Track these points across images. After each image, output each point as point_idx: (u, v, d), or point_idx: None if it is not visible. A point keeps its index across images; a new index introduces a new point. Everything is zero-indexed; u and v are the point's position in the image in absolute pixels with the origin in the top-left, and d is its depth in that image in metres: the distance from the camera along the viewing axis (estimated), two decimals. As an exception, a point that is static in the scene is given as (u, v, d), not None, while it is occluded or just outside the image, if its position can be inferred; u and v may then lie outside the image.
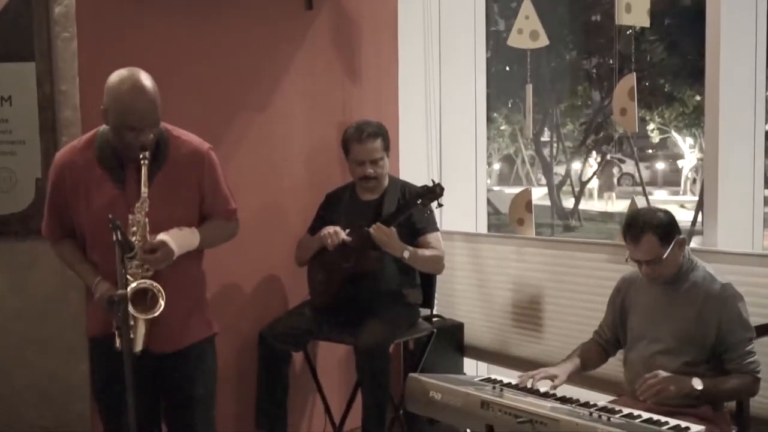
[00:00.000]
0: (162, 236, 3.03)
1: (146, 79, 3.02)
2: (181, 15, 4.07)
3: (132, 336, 2.92)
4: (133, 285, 2.95)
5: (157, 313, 2.97)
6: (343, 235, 4.06)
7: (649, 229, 3.20)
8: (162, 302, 2.97)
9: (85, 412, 3.83)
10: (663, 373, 3.10)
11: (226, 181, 3.32)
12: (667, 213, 3.30)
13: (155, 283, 2.99)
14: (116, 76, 3.03)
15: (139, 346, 2.98)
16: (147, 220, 3.00)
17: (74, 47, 3.76)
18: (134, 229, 3.00)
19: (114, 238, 2.84)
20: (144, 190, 2.98)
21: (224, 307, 4.05)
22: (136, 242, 2.98)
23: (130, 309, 2.90)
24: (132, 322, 2.92)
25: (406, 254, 4.04)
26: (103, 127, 3.14)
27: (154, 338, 3.04)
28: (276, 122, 4.44)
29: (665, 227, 3.21)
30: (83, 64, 3.76)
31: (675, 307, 3.27)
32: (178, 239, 3.08)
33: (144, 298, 2.99)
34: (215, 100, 4.17)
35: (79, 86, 3.76)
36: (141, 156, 2.99)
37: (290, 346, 4.15)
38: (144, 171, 2.99)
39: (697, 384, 3.08)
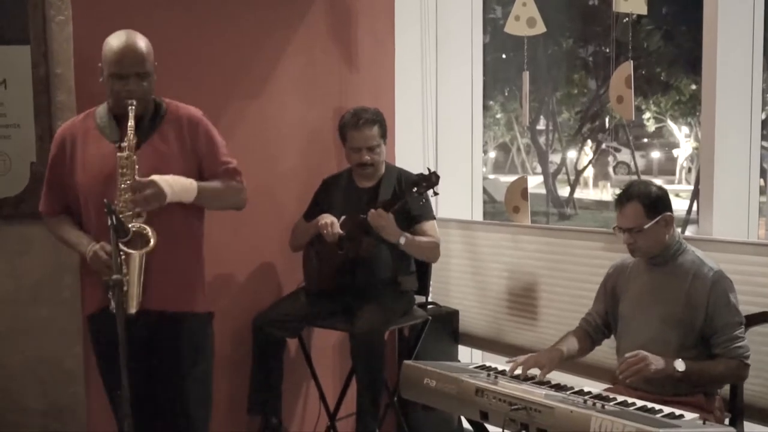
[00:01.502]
0: (154, 176, 3.06)
1: (139, 36, 3.17)
2: (176, -1, 4.06)
3: (125, 296, 2.94)
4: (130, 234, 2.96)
5: (148, 249, 2.99)
6: (338, 227, 4.06)
7: (636, 197, 3.27)
8: (153, 241, 2.99)
9: (79, 395, 3.82)
10: (644, 353, 3.11)
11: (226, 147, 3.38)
12: (661, 188, 3.36)
13: (146, 226, 3.02)
14: (113, 34, 3.18)
15: (134, 308, 2.99)
16: (135, 158, 3.03)
17: (69, 30, 3.74)
18: (123, 169, 3.03)
19: (108, 222, 2.86)
20: (131, 130, 3.03)
21: (219, 292, 4.05)
22: (126, 181, 3.02)
23: (123, 247, 2.93)
24: (125, 286, 2.93)
25: (402, 240, 4.04)
26: (102, 104, 3.23)
27: (151, 295, 3.05)
28: (272, 107, 4.42)
29: (653, 199, 3.27)
30: (78, 47, 3.75)
31: (663, 290, 3.30)
32: (172, 182, 3.10)
33: (136, 241, 3.00)
34: (211, 85, 4.16)
35: (74, 69, 3.75)
36: (128, 103, 3.06)
37: (285, 333, 4.15)
38: (131, 116, 3.05)
39: (679, 365, 3.10)
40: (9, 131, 3.73)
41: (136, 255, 2.98)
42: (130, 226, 2.98)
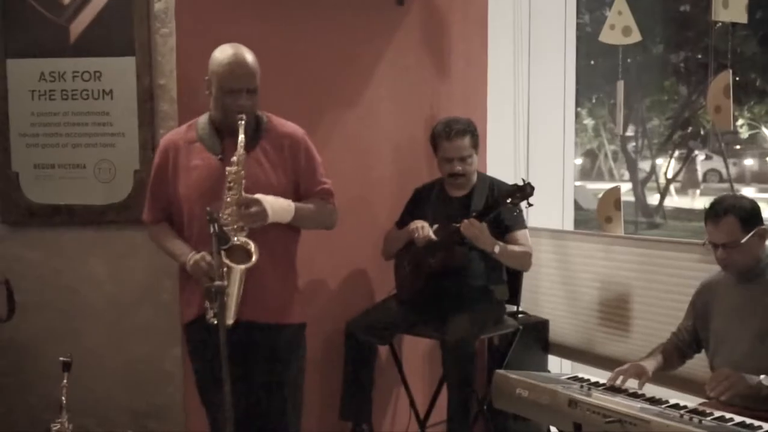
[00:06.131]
0: (258, 195, 3.13)
1: (246, 50, 3.23)
2: (275, 12, 4.13)
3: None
4: (231, 242, 3.04)
5: (249, 264, 3.05)
6: (430, 232, 4.08)
7: (731, 211, 3.19)
8: (255, 256, 3.06)
9: (177, 396, 3.93)
10: (730, 371, 3.06)
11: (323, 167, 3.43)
12: (753, 201, 3.28)
13: (249, 241, 3.09)
14: (219, 48, 3.24)
15: (231, 319, 3.05)
16: (243, 173, 3.10)
17: (172, 42, 3.86)
18: (231, 183, 3.10)
19: (210, 230, 2.92)
20: (241, 145, 3.10)
21: (311, 299, 4.11)
22: (232, 195, 3.09)
23: (225, 259, 3.00)
24: (225, 297, 2.98)
25: (496, 249, 4.03)
26: (204, 115, 3.31)
27: (247, 308, 3.11)
28: (366, 117, 4.48)
29: (749, 212, 3.20)
30: (180, 58, 3.86)
31: (755, 305, 3.23)
32: (274, 203, 3.18)
33: (238, 254, 3.07)
34: (307, 95, 4.22)
35: (177, 80, 3.86)
36: (238, 118, 3.13)
37: (376, 340, 4.19)
38: (241, 131, 3.11)
39: (767, 381, 3.05)
40: (114, 140, 3.87)
41: (237, 269, 3.05)
42: (234, 239, 3.07)
